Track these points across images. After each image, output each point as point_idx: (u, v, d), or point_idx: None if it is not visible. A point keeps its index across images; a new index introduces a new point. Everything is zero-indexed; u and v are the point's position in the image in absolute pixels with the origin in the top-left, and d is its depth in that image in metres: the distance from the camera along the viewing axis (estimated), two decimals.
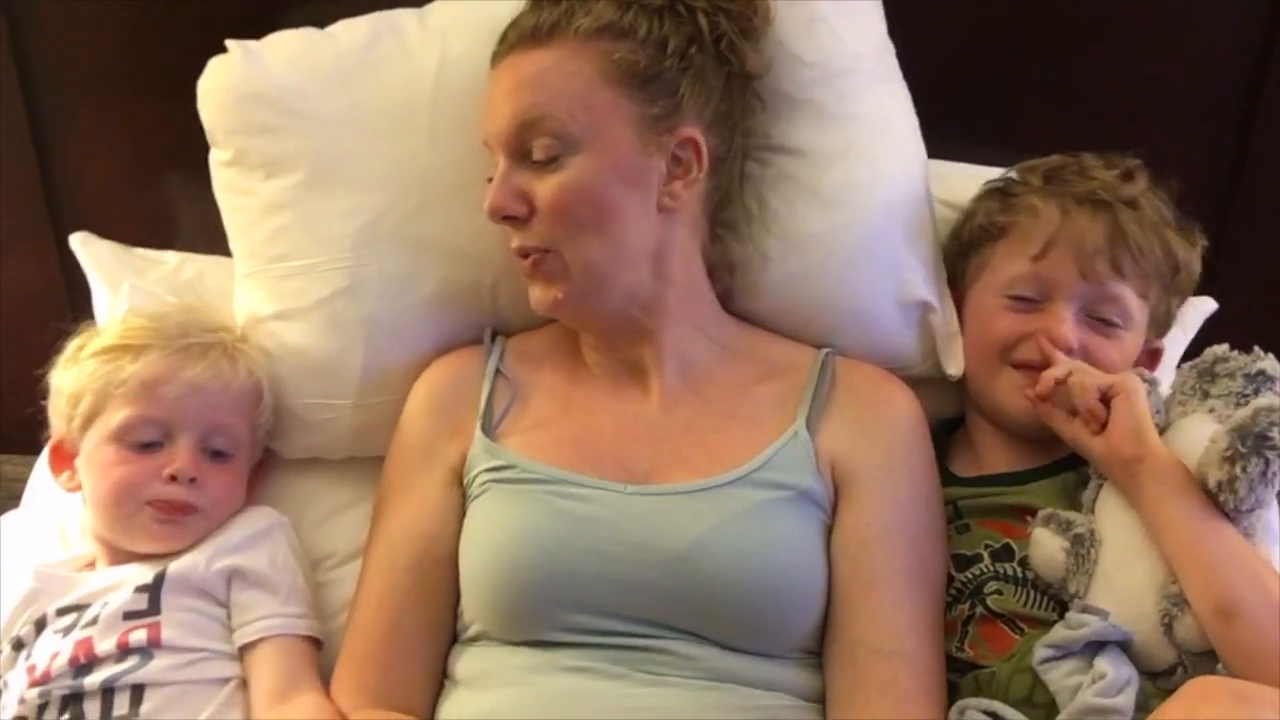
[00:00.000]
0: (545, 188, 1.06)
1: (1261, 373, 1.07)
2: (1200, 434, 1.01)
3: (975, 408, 1.22)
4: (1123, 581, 1.03)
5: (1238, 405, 1.05)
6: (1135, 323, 1.16)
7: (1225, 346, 1.10)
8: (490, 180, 1.09)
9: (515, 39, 1.08)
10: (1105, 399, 1.07)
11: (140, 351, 1.12)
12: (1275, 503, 1.16)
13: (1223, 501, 0.99)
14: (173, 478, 1.10)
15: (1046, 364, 1.12)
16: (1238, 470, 0.97)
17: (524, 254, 1.09)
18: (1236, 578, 0.98)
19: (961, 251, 1.24)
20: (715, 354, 1.16)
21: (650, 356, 1.13)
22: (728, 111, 1.12)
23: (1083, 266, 1.14)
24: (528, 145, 1.06)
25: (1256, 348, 1.09)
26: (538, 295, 1.10)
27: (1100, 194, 1.15)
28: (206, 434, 1.13)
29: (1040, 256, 1.15)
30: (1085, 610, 1.03)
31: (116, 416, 1.11)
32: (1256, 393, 1.06)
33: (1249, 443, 0.97)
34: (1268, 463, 0.96)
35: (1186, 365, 1.11)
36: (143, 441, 1.11)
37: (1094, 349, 1.14)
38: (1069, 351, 1.13)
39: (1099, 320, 1.15)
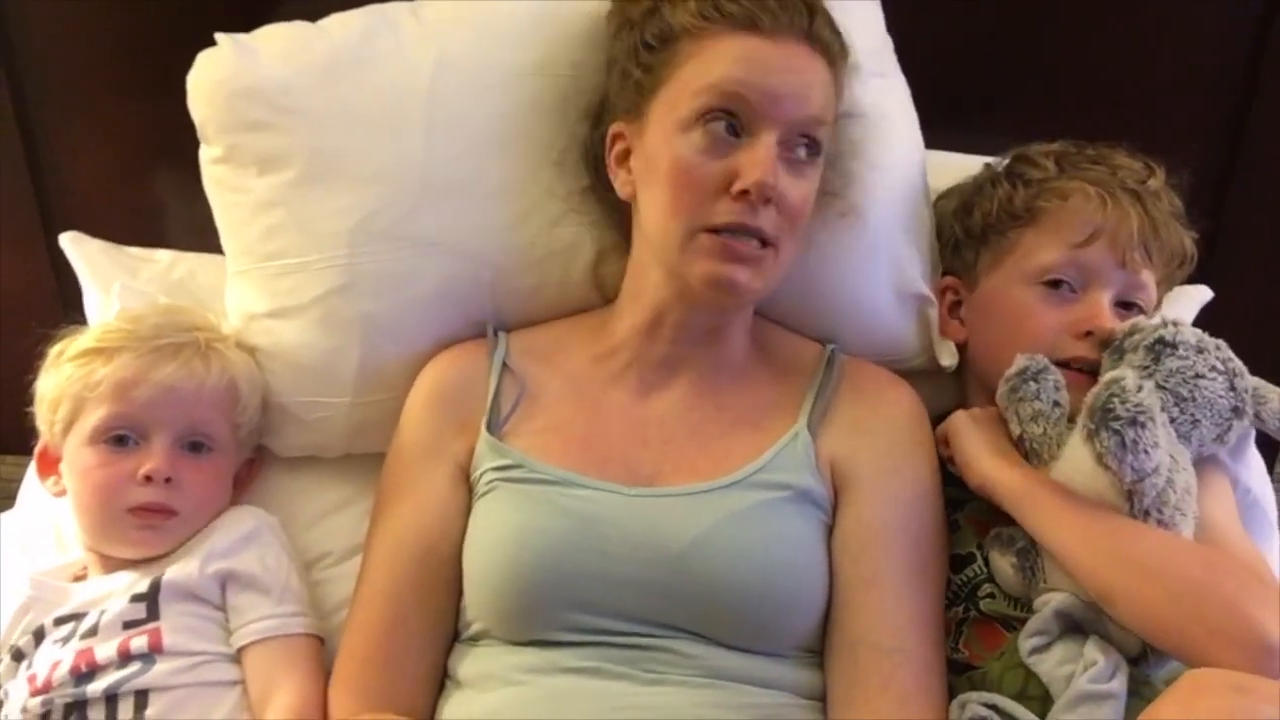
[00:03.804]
0: (797, 186, 1.05)
1: (1160, 340, 1.07)
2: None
3: (983, 396, 1.19)
4: (1062, 580, 1.04)
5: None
6: (1151, 309, 1.17)
7: (1140, 319, 1.11)
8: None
9: (808, 25, 1.06)
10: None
11: (113, 354, 1.12)
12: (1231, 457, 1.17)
13: (1110, 479, 0.99)
14: (148, 478, 1.09)
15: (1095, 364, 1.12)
16: (1098, 447, 0.97)
17: (741, 231, 1.03)
18: (1096, 565, 0.99)
19: (970, 239, 1.22)
20: (746, 352, 1.16)
21: (714, 352, 1.13)
22: None
23: (1122, 255, 1.14)
24: (801, 139, 1.05)
25: (1162, 315, 1.11)
26: (741, 277, 1.04)
27: (1130, 183, 1.16)
28: (182, 434, 1.12)
29: (1085, 244, 1.14)
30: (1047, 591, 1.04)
31: (92, 418, 1.11)
32: (1157, 362, 1.06)
33: (1096, 418, 0.97)
34: (1119, 434, 0.96)
35: (1104, 346, 1.12)
36: (117, 438, 1.10)
37: None
38: (1110, 338, 1.12)
39: (1124, 308, 1.15)
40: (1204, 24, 1.41)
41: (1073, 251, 1.14)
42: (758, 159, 1.02)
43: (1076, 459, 1.03)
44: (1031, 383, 1.08)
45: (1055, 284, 1.15)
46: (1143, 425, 0.96)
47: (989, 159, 1.28)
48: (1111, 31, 1.40)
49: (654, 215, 1.07)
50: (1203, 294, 1.35)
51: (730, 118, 1.03)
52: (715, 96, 1.03)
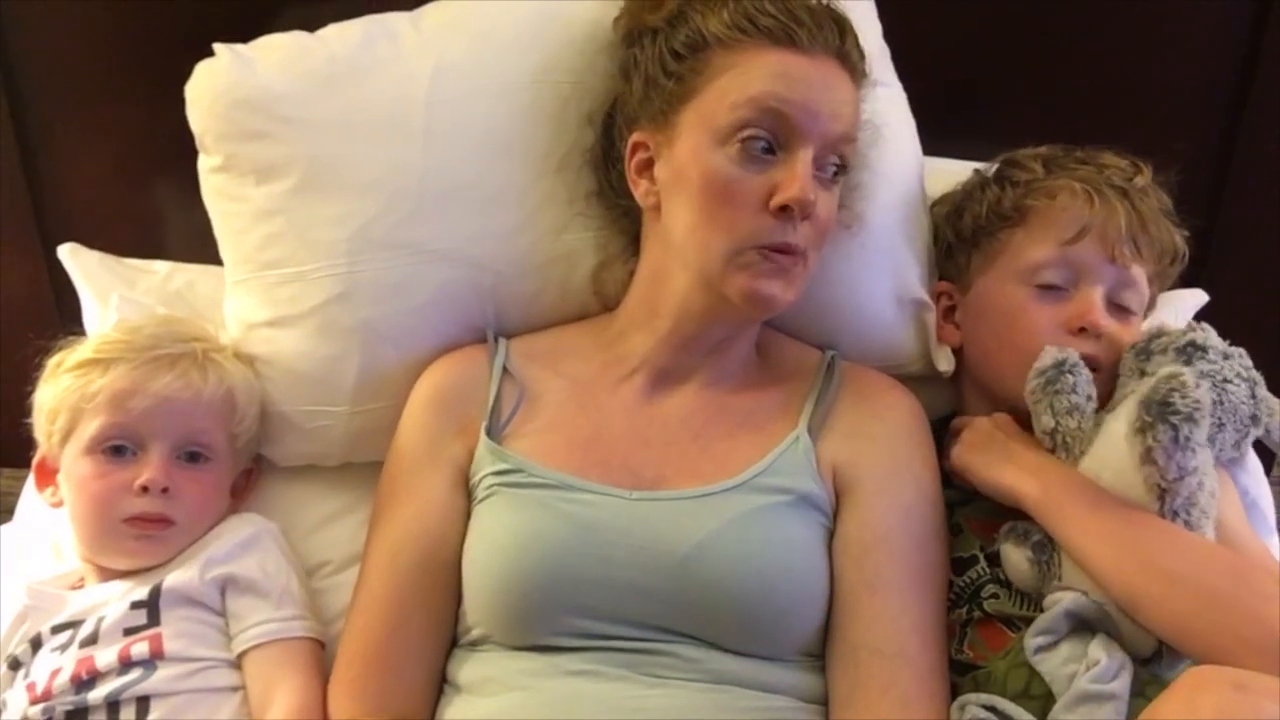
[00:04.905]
0: (826, 202, 1.06)
1: (1191, 343, 1.07)
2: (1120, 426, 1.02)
3: (981, 400, 1.21)
4: (1079, 579, 1.04)
5: None
6: (1144, 307, 1.18)
7: (1164, 322, 1.11)
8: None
9: (840, 44, 1.07)
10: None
11: (110, 365, 1.12)
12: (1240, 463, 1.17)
13: (1147, 475, 0.99)
14: (145, 489, 1.09)
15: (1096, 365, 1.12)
16: (1150, 441, 0.97)
17: (785, 251, 1.05)
18: (1123, 572, 0.99)
19: (962, 243, 1.23)
20: (749, 358, 1.17)
21: (722, 360, 1.13)
22: None
23: (1111, 250, 1.14)
24: (832, 156, 1.07)
25: (1191, 319, 1.10)
26: (776, 291, 1.05)
27: (1116, 180, 1.16)
28: (179, 444, 1.12)
29: (1074, 241, 1.14)
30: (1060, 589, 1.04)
31: (89, 429, 1.11)
32: (1188, 365, 1.06)
33: (1154, 411, 0.97)
34: (1175, 429, 0.96)
35: (1130, 347, 1.12)
36: (114, 448, 1.10)
37: (1115, 334, 1.14)
38: (1100, 334, 1.13)
39: (1116, 306, 1.16)
40: (1198, 26, 1.41)
41: (1062, 249, 1.15)
42: (796, 175, 1.03)
43: (1105, 454, 1.04)
44: (1069, 375, 1.07)
45: (1048, 285, 1.15)
46: (1196, 422, 0.96)
47: (980, 165, 1.28)
48: (1105, 34, 1.41)
49: (686, 227, 1.06)
50: (1198, 298, 1.36)
51: (768, 134, 1.04)
52: (755, 111, 1.03)
